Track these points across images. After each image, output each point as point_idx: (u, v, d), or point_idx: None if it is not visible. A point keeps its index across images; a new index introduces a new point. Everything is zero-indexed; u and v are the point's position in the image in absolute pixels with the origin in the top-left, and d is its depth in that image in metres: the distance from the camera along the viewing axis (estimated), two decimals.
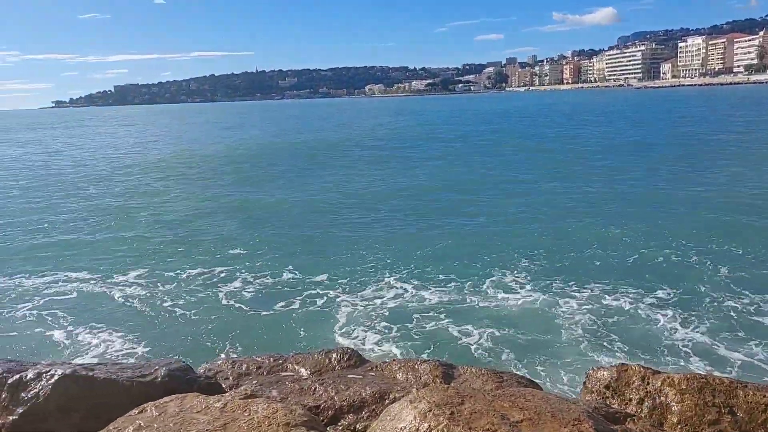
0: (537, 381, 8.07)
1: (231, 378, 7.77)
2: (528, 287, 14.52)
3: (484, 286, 14.70)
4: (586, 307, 13.08)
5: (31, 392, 5.75)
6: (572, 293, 13.60)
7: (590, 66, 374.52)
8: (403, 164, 34.15)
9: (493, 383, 6.48)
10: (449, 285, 14.75)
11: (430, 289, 14.66)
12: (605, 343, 11.35)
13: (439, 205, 24.64)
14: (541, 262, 16.37)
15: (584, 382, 7.19)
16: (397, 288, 14.75)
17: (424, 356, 10.33)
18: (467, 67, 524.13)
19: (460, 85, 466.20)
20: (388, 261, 16.67)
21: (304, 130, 62.57)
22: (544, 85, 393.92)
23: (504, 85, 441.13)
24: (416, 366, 7.41)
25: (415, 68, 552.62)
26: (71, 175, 39.48)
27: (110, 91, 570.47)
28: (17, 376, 5.98)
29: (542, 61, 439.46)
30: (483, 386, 6.48)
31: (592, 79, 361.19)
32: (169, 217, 23.96)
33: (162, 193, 31.46)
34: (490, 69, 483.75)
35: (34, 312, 13.69)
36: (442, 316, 12.86)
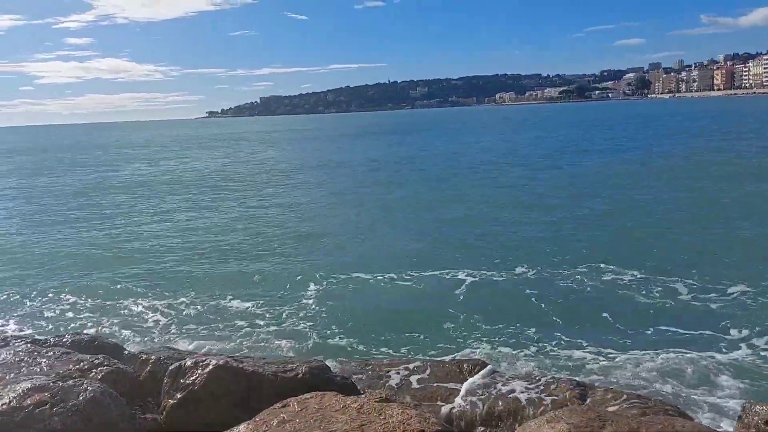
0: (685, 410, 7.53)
1: (364, 379, 8.00)
2: None
3: None
4: None
5: (189, 379, 6.27)
6: None
7: (745, 71, 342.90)
8: None
9: (637, 409, 6.14)
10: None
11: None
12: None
13: None
14: None
15: (740, 416, 6.62)
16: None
17: (558, 374, 9.98)
18: (605, 73, 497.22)
19: (597, 92, 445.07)
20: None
21: None
22: (691, 91, 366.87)
23: (646, 91, 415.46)
24: (552, 384, 7.20)
25: (548, 75, 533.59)
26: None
27: (256, 102, 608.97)
28: (177, 364, 6.56)
29: (689, 66, 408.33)
30: (625, 411, 6.16)
31: (747, 85, 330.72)
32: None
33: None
34: (631, 75, 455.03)
35: (197, 301, 14.96)
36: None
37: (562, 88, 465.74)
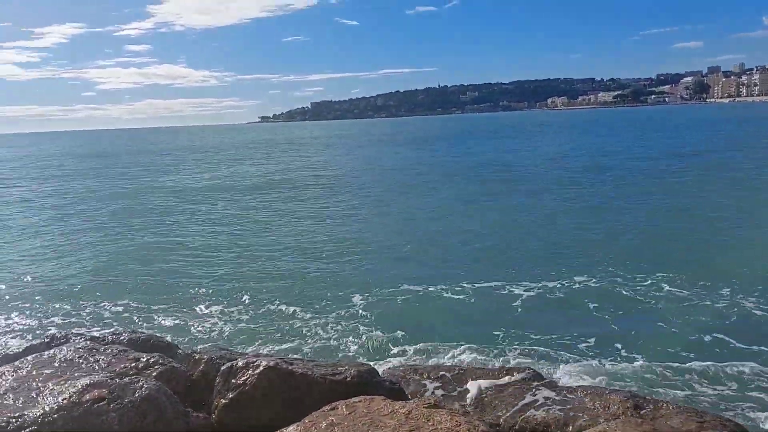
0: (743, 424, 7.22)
1: (412, 384, 7.97)
2: None
3: None
4: None
5: (240, 379, 6.38)
6: None
7: None
8: None
9: (694, 423, 5.91)
10: None
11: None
12: None
13: None
14: None
15: None
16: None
17: (614, 385, 9.71)
18: (661, 77, 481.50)
19: (653, 96, 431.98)
20: None
21: None
22: (752, 96, 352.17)
23: (705, 96, 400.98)
24: (605, 394, 7.00)
25: (602, 79, 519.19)
26: None
27: (307, 107, 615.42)
28: (229, 364, 6.68)
29: (751, 69, 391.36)
30: (681, 425, 5.94)
31: None
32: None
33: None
34: (688, 79, 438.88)
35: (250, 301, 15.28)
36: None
37: (616, 93, 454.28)
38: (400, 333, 13.03)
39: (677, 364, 10.94)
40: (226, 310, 15.04)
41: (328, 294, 15.96)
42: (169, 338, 10.66)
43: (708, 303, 13.94)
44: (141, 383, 6.02)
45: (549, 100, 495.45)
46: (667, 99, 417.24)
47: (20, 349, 9.19)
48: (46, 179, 55.30)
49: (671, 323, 12.92)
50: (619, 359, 11.33)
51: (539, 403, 7.07)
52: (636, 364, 11.08)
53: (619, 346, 11.89)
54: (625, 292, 14.98)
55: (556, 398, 7.14)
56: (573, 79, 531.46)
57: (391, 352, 12.04)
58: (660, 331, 12.58)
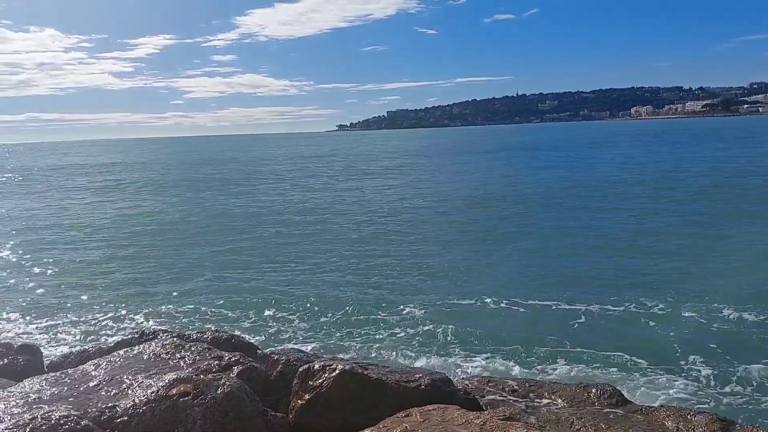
0: None
1: (487, 396, 7.87)
2: None
3: None
4: None
5: (317, 381, 6.51)
6: None
7: None
8: None
9: None
10: None
11: None
12: None
13: None
14: None
15: None
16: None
17: (699, 407, 9.26)
18: (755, 86, 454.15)
19: (746, 106, 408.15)
20: None
21: None
22: None
23: None
24: (689, 416, 6.69)
25: (690, 88, 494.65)
26: None
27: (383, 116, 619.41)
28: (306, 366, 6.82)
29: None
30: None
31: None
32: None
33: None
34: None
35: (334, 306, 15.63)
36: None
37: (705, 102, 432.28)
38: (473, 346, 12.95)
39: (763, 388, 10.33)
40: (302, 315, 15.39)
41: (402, 305, 16.05)
42: (249, 338, 11.02)
43: None
44: (223, 381, 6.25)
45: (633, 110, 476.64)
46: (761, 109, 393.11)
47: (112, 343, 9.77)
48: (159, 187, 58.10)
49: (752, 346, 12.20)
50: (703, 382, 10.79)
51: (618, 423, 6.84)
52: (721, 387, 10.53)
53: (701, 368, 11.33)
54: (702, 317, 14.26)
55: (637, 419, 6.89)
56: (659, 87, 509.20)
57: (465, 364, 11.97)
58: (745, 350, 11.90)
